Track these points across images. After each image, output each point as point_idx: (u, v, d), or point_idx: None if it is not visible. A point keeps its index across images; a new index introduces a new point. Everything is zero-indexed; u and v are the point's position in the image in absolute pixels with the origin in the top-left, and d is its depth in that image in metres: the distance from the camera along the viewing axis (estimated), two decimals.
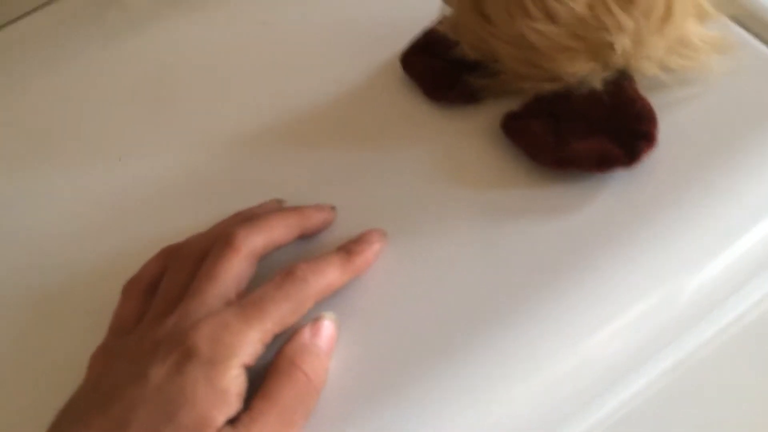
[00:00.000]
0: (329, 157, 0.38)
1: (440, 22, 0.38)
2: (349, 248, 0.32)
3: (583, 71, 0.33)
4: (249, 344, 0.27)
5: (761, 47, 0.36)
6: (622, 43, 0.32)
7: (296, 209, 0.33)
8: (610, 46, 0.32)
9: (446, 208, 0.35)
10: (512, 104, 0.37)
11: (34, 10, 0.53)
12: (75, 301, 0.35)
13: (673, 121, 0.34)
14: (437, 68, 0.38)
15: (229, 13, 0.49)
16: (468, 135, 0.37)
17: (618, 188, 0.33)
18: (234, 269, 0.29)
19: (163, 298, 0.30)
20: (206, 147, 0.40)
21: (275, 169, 0.38)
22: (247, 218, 0.32)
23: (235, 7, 0.49)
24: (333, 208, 0.34)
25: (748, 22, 0.37)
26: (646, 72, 0.33)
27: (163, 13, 0.51)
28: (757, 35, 0.37)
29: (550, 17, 0.32)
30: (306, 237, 0.33)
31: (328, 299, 0.31)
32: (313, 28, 0.45)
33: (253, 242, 0.30)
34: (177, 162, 0.40)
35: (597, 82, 0.33)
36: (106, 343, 0.30)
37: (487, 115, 0.37)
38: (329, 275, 0.30)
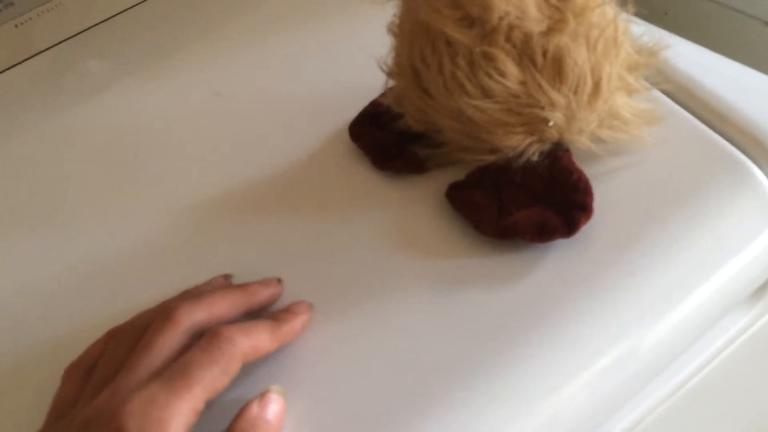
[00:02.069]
0: (280, 228, 0.39)
1: (385, 95, 0.39)
2: (276, 316, 0.32)
3: (521, 144, 0.34)
4: (179, 416, 0.27)
5: (689, 117, 0.38)
6: (555, 118, 0.33)
7: (242, 286, 0.33)
8: (544, 122, 0.33)
9: (394, 278, 0.35)
10: (457, 173, 0.38)
11: None
12: (16, 385, 0.34)
13: (608, 191, 0.35)
14: (384, 139, 0.40)
15: (185, 83, 0.50)
16: (415, 204, 0.38)
17: (559, 256, 0.34)
18: (170, 342, 0.29)
19: (99, 376, 0.30)
20: (158, 218, 0.41)
21: (226, 241, 0.39)
22: (193, 296, 0.32)
23: (191, 78, 0.50)
24: (280, 281, 0.35)
25: (677, 94, 0.39)
26: (580, 145, 0.35)
27: (120, 81, 0.52)
28: (685, 106, 0.39)
29: (487, 94, 0.33)
30: (253, 312, 0.34)
31: (276, 372, 0.32)
32: (265, 99, 0.46)
33: (194, 317, 0.30)
34: (128, 234, 0.40)
35: (535, 154, 0.35)
36: (44, 428, 0.30)
37: (434, 184, 0.39)
38: (256, 337, 0.30)
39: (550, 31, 0.31)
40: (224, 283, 0.35)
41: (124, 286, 0.37)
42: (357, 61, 0.43)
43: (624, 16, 0.35)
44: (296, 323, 0.33)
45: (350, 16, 0.50)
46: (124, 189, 0.43)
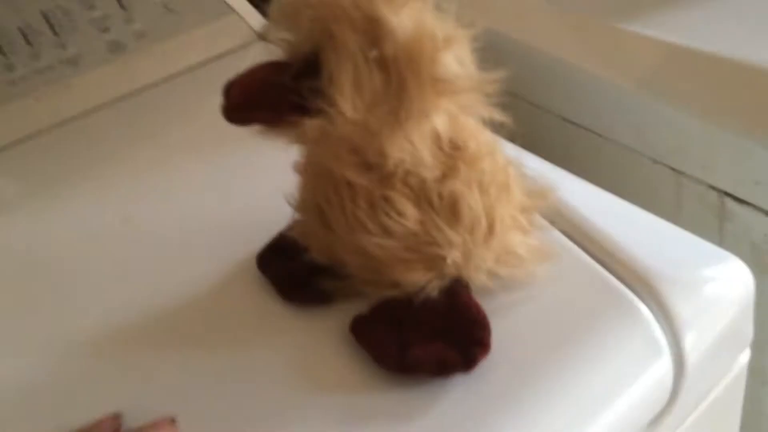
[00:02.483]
0: (179, 361, 0.38)
1: (291, 228, 0.40)
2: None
3: (421, 280, 0.35)
4: None
5: (581, 254, 0.40)
6: (453, 256, 0.35)
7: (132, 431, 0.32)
8: (443, 259, 0.35)
9: (298, 415, 0.35)
10: (363, 305, 0.38)
11: None
12: None
13: (505, 325, 0.37)
14: (290, 270, 0.40)
15: (93, 207, 0.49)
16: (320, 336, 0.38)
17: (458, 391, 0.35)
18: None
19: None
20: (52, 349, 0.39)
21: (120, 376, 0.37)
22: None
23: (100, 201, 0.50)
24: (174, 422, 0.33)
25: (569, 231, 0.42)
26: (477, 281, 0.36)
27: (28, 203, 0.51)
28: (577, 243, 0.41)
29: (387, 232, 0.35)
30: None
31: None
32: (175, 226, 0.46)
33: None
34: (16, 366, 0.38)
35: (434, 290, 0.36)
36: None
37: (339, 316, 0.39)
38: None
39: (444, 177, 0.33)
40: (114, 425, 0.33)
41: (4, 423, 0.35)
42: (268, 191, 0.44)
43: (514, 157, 0.38)
44: None
45: (262, 147, 0.52)
46: (20, 315, 0.41)
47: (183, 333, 0.39)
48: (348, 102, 0.30)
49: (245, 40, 0.69)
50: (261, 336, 0.39)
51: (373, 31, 0.30)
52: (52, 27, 0.63)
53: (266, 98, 0.31)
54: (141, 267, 0.44)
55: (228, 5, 0.70)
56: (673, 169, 0.56)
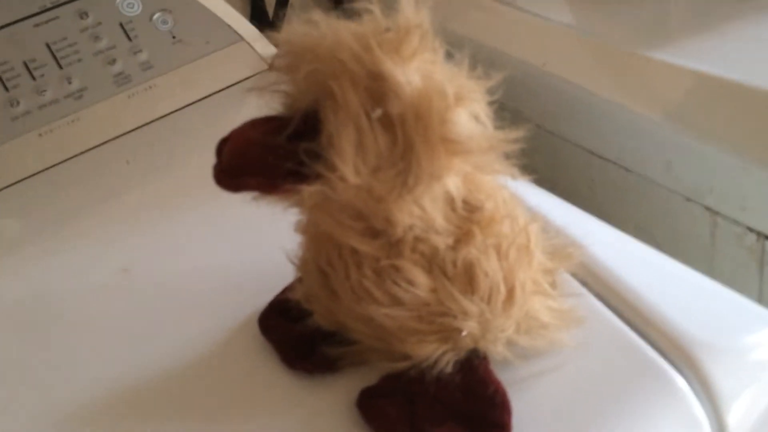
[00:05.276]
0: (177, 427, 0.35)
1: (294, 289, 0.37)
2: None
3: (434, 354, 0.32)
4: None
5: (611, 317, 0.37)
6: (469, 327, 0.31)
7: None
8: (458, 331, 0.31)
9: None
10: (371, 373, 0.35)
11: None
12: None
13: (527, 401, 0.33)
14: (294, 335, 0.37)
15: (94, 252, 0.47)
16: (325, 408, 0.35)
17: None
18: None
19: None
20: (37, 411, 0.36)
21: None
22: None
23: (97, 251, 0.47)
24: None
25: (598, 289, 0.38)
26: (496, 353, 0.33)
27: (27, 246, 0.49)
28: (606, 303, 0.38)
29: (396, 302, 0.31)
30: None
31: None
32: (174, 278, 0.44)
33: None
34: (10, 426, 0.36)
35: (449, 364, 0.32)
36: None
37: (346, 385, 0.36)
38: None
39: (457, 244, 0.30)
40: None
41: None
42: (271, 246, 0.41)
43: (535, 214, 0.34)
44: None
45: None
46: (7, 375, 0.39)
47: (181, 399, 0.37)
48: (350, 166, 0.27)
49: (255, 69, 0.66)
50: (261, 406, 0.36)
51: (377, 87, 0.27)
52: (56, 60, 0.61)
53: (260, 163, 0.28)
54: (139, 324, 0.41)
55: (237, 33, 0.67)
56: (707, 208, 0.52)
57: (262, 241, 0.44)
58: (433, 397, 0.33)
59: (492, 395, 0.32)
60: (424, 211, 0.29)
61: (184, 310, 0.42)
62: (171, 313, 0.42)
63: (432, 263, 0.31)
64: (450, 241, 0.30)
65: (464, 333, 0.31)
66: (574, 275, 0.37)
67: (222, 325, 0.40)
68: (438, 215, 0.29)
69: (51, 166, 0.57)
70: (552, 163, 0.61)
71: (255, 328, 0.39)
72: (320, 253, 0.33)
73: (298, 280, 0.37)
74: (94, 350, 0.40)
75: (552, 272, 0.34)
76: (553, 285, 0.34)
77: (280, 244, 0.37)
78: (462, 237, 0.30)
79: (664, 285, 0.38)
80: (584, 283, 0.38)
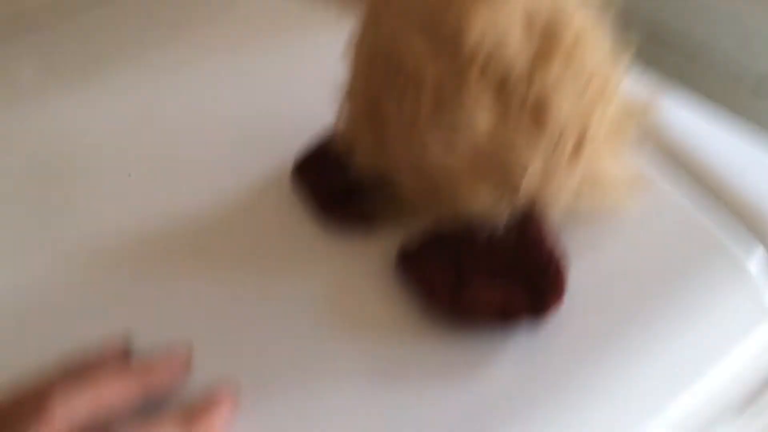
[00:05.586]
0: (200, 283, 0.32)
1: (335, 132, 0.33)
2: (188, 408, 0.26)
3: (487, 202, 0.29)
4: None
5: (679, 187, 0.33)
6: (533, 163, 0.27)
7: (138, 365, 0.27)
8: (517, 173, 0.28)
9: (330, 357, 0.29)
10: (410, 230, 0.32)
11: None
12: None
13: (582, 268, 0.30)
14: (331, 185, 0.34)
15: (120, 99, 0.43)
16: (359, 267, 0.32)
17: (521, 346, 0.29)
18: None
19: None
20: (60, 255, 0.34)
21: (135, 292, 0.32)
22: (75, 373, 0.26)
23: (125, 90, 0.43)
24: (190, 351, 0.28)
25: (667, 157, 0.34)
26: (554, 210, 0.29)
27: (50, 92, 0.45)
28: (675, 172, 0.34)
29: (453, 139, 0.28)
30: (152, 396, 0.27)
31: None
32: (204, 123, 0.40)
33: (75, 409, 0.24)
34: (23, 269, 0.34)
35: (502, 219, 0.29)
36: None
37: (382, 244, 0.33)
38: None
39: (532, 70, 0.26)
40: (119, 354, 0.28)
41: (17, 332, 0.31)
42: (310, 88, 0.37)
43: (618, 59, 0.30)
44: (214, 417, 0.26)
45: (309, 34, 0.44)
46: (26, 217, 0.36)
47: (203, 248, 0.34)
48: None
49: None
50: (291, 260, 0.33)
51: None
52: None
53: None
54: (162, 168, 0.38)
55: None
56: None
57: (300, 86, 0.40)
58: (482, 257, 0.30)
59: (547, 256, 0.29)
60: (499, 17, 0.24)
61: (212, 156, 0.38)
62: (198, 159, 0.38)
63: (499, 95, 0.27)
64: (525, 63, 0.26)
65: (526, 173, 0.27)
66: (645, 137, 0.33)
67: (252, 172, 0.37)
68: (515, 27, 0.25)
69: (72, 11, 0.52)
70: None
71: (287, 176, 0.36)
72: (371, 82, 0.29)
73: (339, 122, 0.33)
74: (114, 196, 0.37)
75: (625, 130, 0.30)
76: (624, 144, 0.30)
77: (315, 92, 0.33)
78: (538, 61, 0.26)
79: (743, 157, 0.34)
80: (653, 146, 0.34)
